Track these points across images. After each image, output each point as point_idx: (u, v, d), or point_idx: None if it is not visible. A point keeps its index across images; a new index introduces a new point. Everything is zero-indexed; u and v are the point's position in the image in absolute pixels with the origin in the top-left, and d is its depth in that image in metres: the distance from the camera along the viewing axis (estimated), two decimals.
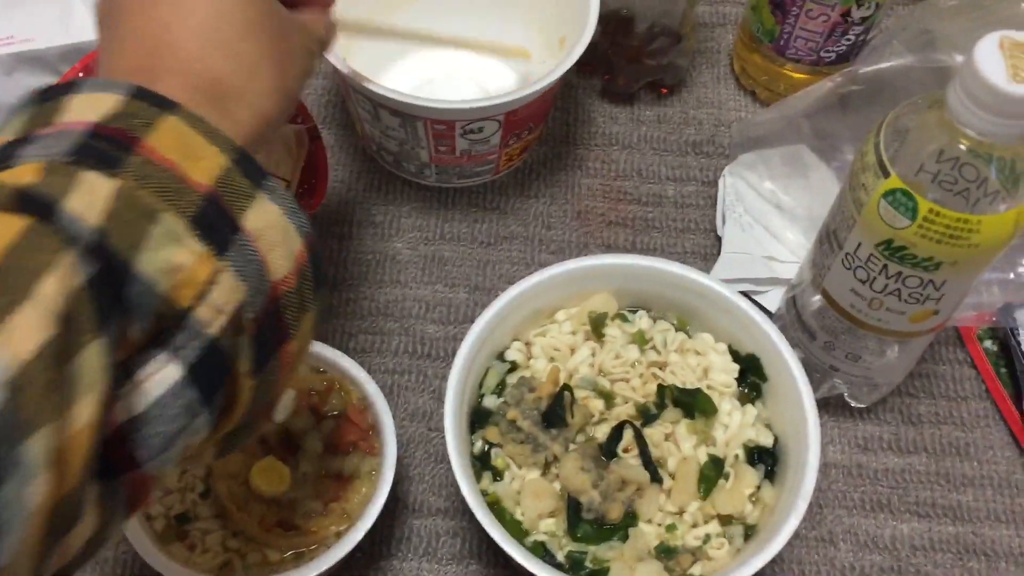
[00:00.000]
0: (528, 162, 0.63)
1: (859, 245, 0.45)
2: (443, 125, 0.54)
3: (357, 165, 0.63)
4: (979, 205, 0.41)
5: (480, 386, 0.47)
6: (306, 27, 0.40)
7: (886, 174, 0.42)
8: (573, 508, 0.43)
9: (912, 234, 0.42)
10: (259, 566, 0.44)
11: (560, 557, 0.43)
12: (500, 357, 0.48)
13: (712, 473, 0.44)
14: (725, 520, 0.44)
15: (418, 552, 0.50)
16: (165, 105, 0.30)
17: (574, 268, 0.48)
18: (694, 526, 0.43)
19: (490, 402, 0.47)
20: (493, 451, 0.45)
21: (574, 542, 0.43)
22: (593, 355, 0.47)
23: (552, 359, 0.47)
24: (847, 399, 0.54)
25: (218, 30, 0.34)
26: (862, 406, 0.54)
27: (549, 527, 0.43)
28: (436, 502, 0.51)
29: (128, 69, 0.33)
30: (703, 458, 0.44)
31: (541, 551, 0.42)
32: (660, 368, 0.47)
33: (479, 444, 0.46)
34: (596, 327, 0.48)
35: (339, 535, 0.44)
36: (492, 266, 0.59)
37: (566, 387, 0.46)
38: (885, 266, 0.44)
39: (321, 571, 0.42)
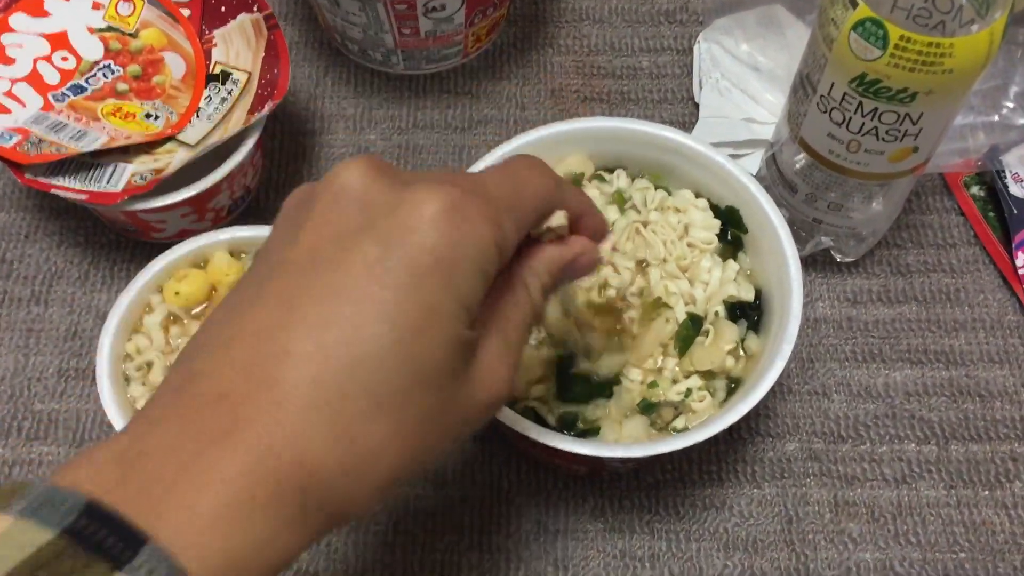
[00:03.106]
0: (497, 43, 0.62)
1: (832, 85, 0.43)
2: (404, 4, 0.52)
3: (323, 60, 0.61)
4: (950, 29, 0.39)
5: None
6: (485, 389, 0.29)
7: (854, 4, 0.40)
8: (562, 371, 0.43)
9: (884, 65, 0.40)
10: None
11: (552, 420, 0.43)
12: None
13: (690, 332, 0.44)
14: (706, 375, 0.44)
15: None
16: (122, 558, 0.22)
17: (545, 134, 0.47)
18: (674, 382, 0.43)
19: None
20: None
21: (564, 404, 0.43)
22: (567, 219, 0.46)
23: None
24: (834, 254, 0.53)
25: (351, 390, 0.25)
26: (849, 260, 0.54)
27: (539, 393, 0.43)
28: None
29: (221, 384, 0.26)
30: (681, 315, 0.44)
31: (532, 416, 0.42)
32: (642, 226, 0.46)
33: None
34: None
35: None
36: (468, 151, 0.58)
37: None
38: (860, 104, 0.43)
39: None
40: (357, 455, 0.26)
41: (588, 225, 0.34)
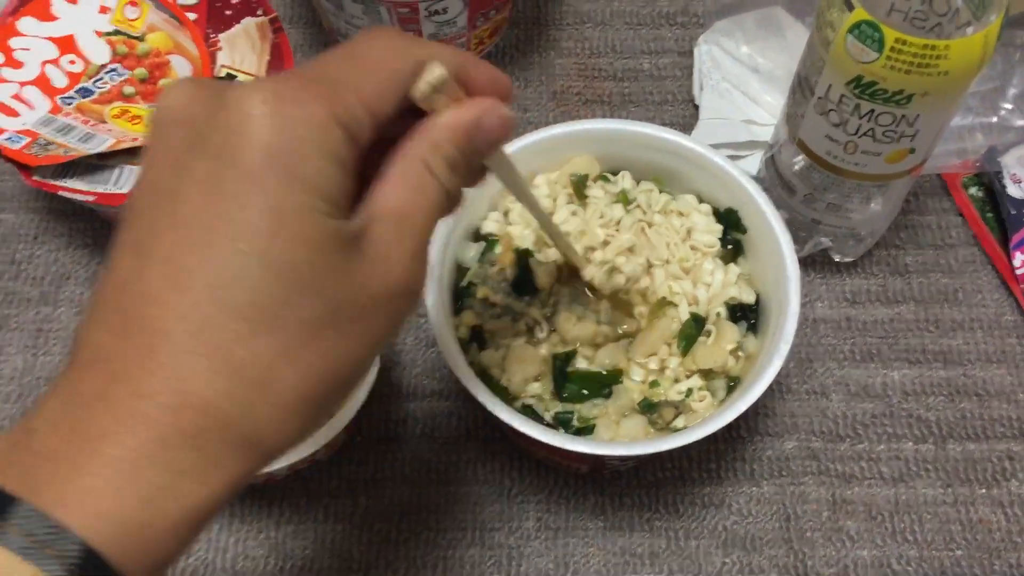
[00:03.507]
0: (500, 46, 0.62)
1: (830, 87, 0.44)
2: (406, 8, 0.53)
3: None
4: (946, 32, 0.40)
5: (460, 266, 0.47)
6: (379, 279, 0.27)
7: (850, 7, 0.41)
8: (559, 369, 0.44)
9: (881, 67, 0.41)
10: None
11: (548, 418, 0.43)
12: (478, 233, 0.48)
13: (693, 331, 0.44)
14: (707, 374, 0.44)
15: (415, 433, 0.50)
16: None
17: (549, 135, 0.48)
18: (676, 381, 0.44)
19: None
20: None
21: (561, 403, 0.43)
22: (574, 215, 0.47)
23: (528, 225, 0.47)
24: (832, 255, 0.54)
25: (217, 316, 0.24)
26: (848, 260, 0.54)
27: (536, 390, 0.44)
28: (430, 385, 0.52)
29: (94, 347, 0.25)
30: (685, 315, 0.45)
31: (529, 414, 0.43)
32: (647, 226, 0.47)
33: (463, 331, 0.46)
34: (578, 189, 0.48)
35: (332, 415, 0.45)
36: None
37: (525, 252, 0.46)
38: (857, 105, 0.43)
39: (318, 448, 0.43)
40: (245, 381, 0.24)
41: (482, 81, 0.30)
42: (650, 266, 0.46)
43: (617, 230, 0.46)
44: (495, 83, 0.30)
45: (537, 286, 0.45)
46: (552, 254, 0.46)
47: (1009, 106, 0.57)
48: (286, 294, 0.25)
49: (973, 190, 0.57)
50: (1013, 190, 0.55)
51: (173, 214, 0.25)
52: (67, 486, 0.23)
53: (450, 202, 0.29)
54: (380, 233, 0.27)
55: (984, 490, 0.49)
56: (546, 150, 0.48)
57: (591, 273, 0.44)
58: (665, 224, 0.47)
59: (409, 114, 0.29)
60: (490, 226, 0.48)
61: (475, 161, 0.30)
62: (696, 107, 0.60)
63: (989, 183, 0.56)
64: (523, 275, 0.46)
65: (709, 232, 0.47)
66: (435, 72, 0.28)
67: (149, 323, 0.24)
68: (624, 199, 0.48)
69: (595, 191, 0.48)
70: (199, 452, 0.24)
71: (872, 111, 0.43)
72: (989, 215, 0.56)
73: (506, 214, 0.48)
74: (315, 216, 0.25)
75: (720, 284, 0.46)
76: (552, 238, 0.43)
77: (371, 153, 0.28)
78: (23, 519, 0.22)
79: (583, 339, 0.44)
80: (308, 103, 0.26)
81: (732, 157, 0.56)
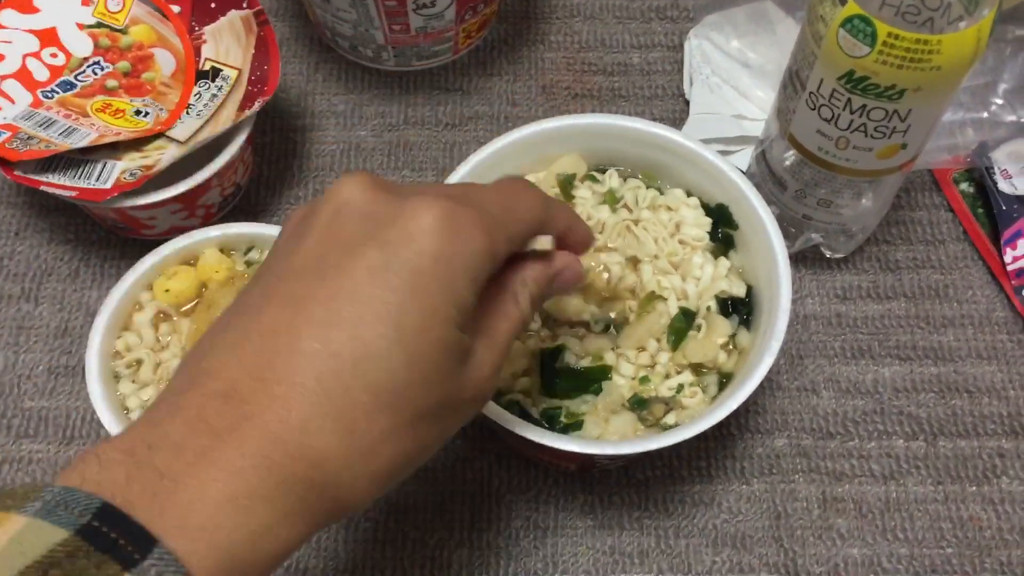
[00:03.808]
0: (488, 40, 0.62)
1: (821, 82, 0.44)
2: (394, 1, 0.52)
3: (314, 56, 0.61)
4: (938, 26, 0.40)
5: None
6: (472, 388, 0.31)
7: (843, 1, 0.40)
8: (547, 365, 0.43)
9: (873, 62, 0.40)
10: None
11: (535, 414, 0.43)
12: None
13: (682, 325, 0.44)
14: (698, 370, 0.44)
15: None
16: (132, 558, 0.23)
17: (535, 131, 0.47)
18: (666, 377, 0.43)
19: None
20: None
21: (548, 399, 0.43)
22: None
23: None
24: (823, 250, 0.53)
25: (354, 386, 0.27)
26: (839, 256, 0.54)
27: (523, 386, 0.43)
28: None
29: (228, 382, 0.27)
30: (674, 310, 0.44)
31: (516, 409, 0.42)
32: (633, 224, 0.46)
33: None
34: (565, 189, 0.47)
35: None
36: (459, 147, 0.58)
37: None
38: (849, 100, 0.43)
39: None
40: (359, 447, 0.27)
41: (574, 237, 0.36)
42: (638, 262, 0.45)
43: (602, 231, 0.46)
44: (583, 239, 0.37)
45: None
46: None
47: (1000, 101, 0.57)
48: (414, 384, 0.28)
49: (964, 185, 0.57)
50: (1004, 186, 0.55)
51: (336, 285, 0.28)
52: (190, 515, 0.24)
53: (525, 328, 0.35)
54: (479, 349, 0.31)
55: (975, 488, 0.49)
56: (534, 145, 0.47)
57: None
58: (653, 219, 0.47)
59: None
60: None
61: (547, 299, 0.37)
62: (686, 102, 0.59)
63: (980, 179, 0.56)
64: None
65: (698, 226, 0.47)
66: (543, 244, 0.34)
67: (291, 375, 0.26)
68: (611, 199, 0.47)
69: (582, 191, 0.47)
70: (302, 501, 0.26)
71: (864, 106, 0.43)
72: (980, 211, 0.56)
73: None
74: (452, 326, 0.29)
75: (710, 278, 0.46)
76: None
77: None
78: (158, 561, 0.23)
79: (568, 314, 0.44)
80: (473, 233, 0.29)
81: (723, 152, 0.56)
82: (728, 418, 0.40)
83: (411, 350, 0.28)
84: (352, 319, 0.27)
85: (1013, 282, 0.53)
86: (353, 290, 0.28)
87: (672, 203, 0.47)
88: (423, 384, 0.28)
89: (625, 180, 0.48)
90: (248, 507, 0.25)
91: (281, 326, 0.27)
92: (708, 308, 0.45)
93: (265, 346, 0.27)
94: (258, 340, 0.27)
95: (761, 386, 0.41)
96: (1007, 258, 0.53)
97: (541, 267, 0.34)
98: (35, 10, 0.52)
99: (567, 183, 0.47)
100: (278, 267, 0.29)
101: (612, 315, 0.44)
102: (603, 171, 0.49)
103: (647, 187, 0.48)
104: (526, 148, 0.47)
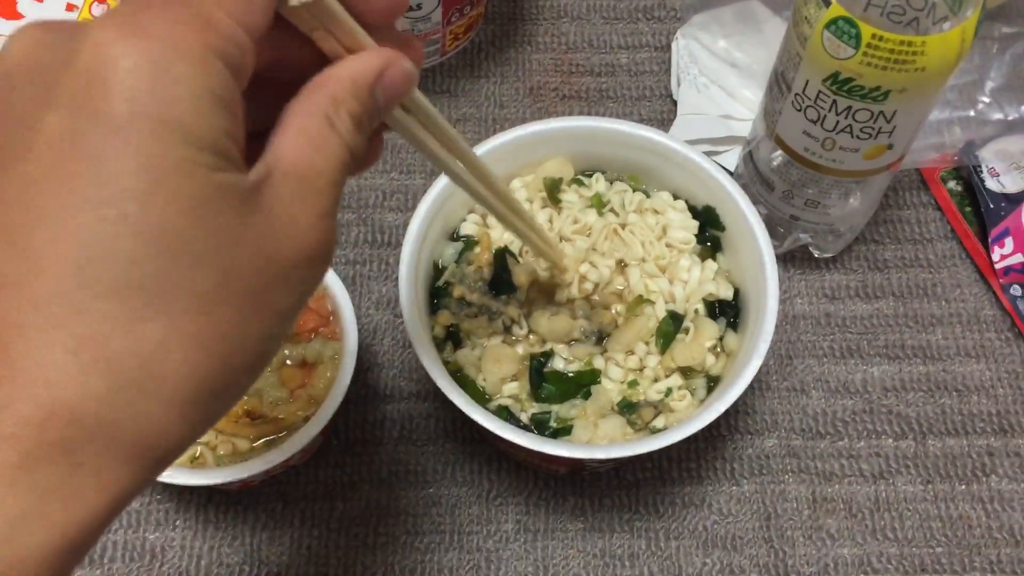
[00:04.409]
0: (475, 41, 0.61)
1: (807, 83, 0.44)
2: None
3: None
4: (923, 27, 0.40)
5: (438, 265, 0.47)
6: (288, 244, 0.23)
7: (827, 3, 0.40)
8: (536, 369, 0.43)
9: (857, 63, 0.40)
10: (230, 456, 0.44)
11: (524, 419, 0.43)
12: (456, 234, 0.48)
13: (670, 328, 0.44)
14: (687, 373, 0.44)
15: (393, 436, 0.50)
16: None
17: (522, 134, 0.47)
18: (655, 381, 0.43)
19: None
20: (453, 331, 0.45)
21: (537, 403, 0.43)
22: (551, 221, 0.47)
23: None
24: (811, 250, 0.53)
25: (84, 300, 0.20)
26: (827, 256, 0.54)
27: (512, 391, 0.43)
28: (407, 386, 0.51)
29: None
30: (661, 313, 0.44)
31: (505, 415, 0.42)
32: (620, 227, 0.46)
33: (439, 330, 0.45)
34: (551, 192, 0.47)
35: (307, 419, 0.44)
36: None
37: (504, 250, 0.45)
38: (834, 102, 0.43)
39: (293, 452, 0.43)
40: (127, 377, 0.20)
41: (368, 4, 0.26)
42: (625, 266, 0.45)
43: (589, 235, 0.46)
44: (384, 3, 0.26)
45: (515, 284, 0.45)
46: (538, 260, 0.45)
47: (987, 99, 0.57)
48: (169, 266, 0.21)
49: (951, 184, 0.57)
50: (991, 184, 0.55)
51: (19, 180, 0.21)
52: None
53: (355, 162, 0.26)
54: (281, 191, 0.23)
55: (964, 486, 0.49)
56: (521, 149, 0.47)
57: (569, 277, 0.44)
58: (640, 223, 0.47)
59: (290, 39, 0.25)
60: (468, 228, 0.47)
61: (376, 119, 0.26)
62: (674, 102, 0.59)
63: (967, 177, 0.56)
64: (500, 274, 0.45)
65: (684, 229, 0.47)
66: None
67: (2, 315, 0.20)
68: (598, 203, 0.47)
69: (569, 196, 0.47)
70: (72, 468, 0.20)
71: (849, 107, 0.43)
72: (967, 209, 0.56)
73: (485, 217, 0.47)
74: (198, 171, 0.21)
75: (697, 280, 0.46)
76: (518, 234, 0.41)
77: (255, 91, 0.24)
78: None
79: (559, 334, 0.44)
80: (176, 35, 0.21)
81: (710, 153, 0.56)
82: (718, 419, 0.40)
83: (146, 225, 0.20)
84: (53, 215, 0.20)
85: (1001, 280, 0.53)
86: (40, 176, 0.20)
87: (659, 206, 0.47)
88: (189, 261, 0.21)
89: (612, 184, 0.48)
90: None
91: None
92: (696, 311, 0.45)
93: None
94: None
95: (750, 387, 0.41)
96: (995, 256, 0.53)
97: (352, 74, 0.25)
98: (19, 16, 0.52)
99: (554, 187, 0.47)
100: None
101: (602, 325, 0.44)
102: (590, 175, 0.49)
103: (633, 190, 0.48)
104: (513, 151, 0.47)
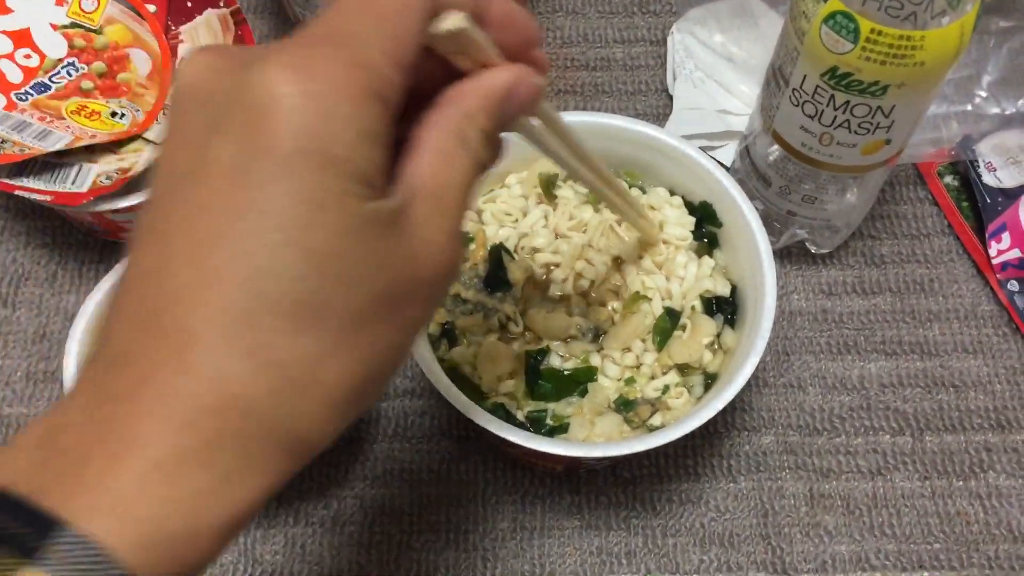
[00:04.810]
0: None
1: (804, 78, 0.43)
2: None
3: None
4: (921, 21, 0.39)
5: None
6: (423, 264, 0.25)
7: None
8: (532, 367, 0.43)
9: (856, 58, 0.40)
10: None
11: (520, 417, 0.42)
12: None
13: (667, 325, 0.43)
14: (684, 370, 0.44)
15: (388, 433, 0.49)
16: (33, 545, 0.20)
17: None
18: (652, 378, 0.43)
19: None
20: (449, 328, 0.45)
21: (533, 401, 0.43)
22: (546, 218, 0.46)
23: (503, 225, 0.46)
24: (808, 246, 0.53)
25: (255, 313, 0.22)
26: (824, 251, 0.54)
27: (508, 388, 0.43)
28: (402, 384, 0.51)
29: (119, 345, 0.23)
30: (658, 310, 0.44)
31: (501, 412, 0.42)
32: (616, 224, 0.46)
33: (434, 327, 0.45)
34: (547, 188, 0.47)
35: (369, 406, 0.43)
36: None
37: (500, 247, 0.45)
38: (832, 96, 0.43)
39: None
40: (290, 381, 0.23)
41: (501, 19, 0.27)
42: (621, 263, 0.45)
43: (585, 231, 0.45)
44: (519, 25, 0.27)
45: (510, 281, 0.44)
46: (543, 258, 0.45)
47: (984, 93, 0.57)
48: (329, 287, 0.23)
49: (948, 179, 0.56)
50: (988, 178, 0.55)
51: (195, 203, 0.23)
52: (103, 493, 0.21)
53: (482, 173, 0.27)
54: (419, 213, 0.25)
55: (962, 482, 0.48)
56: (516, 144, 0.46)
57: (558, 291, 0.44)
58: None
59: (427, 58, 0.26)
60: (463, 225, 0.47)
61: (503, 130, 0.28)
62: (670, 97, 0.59)
63: (964, 172, 0.56)
64: (496, 270, 0.45)
65: (681, 225, 0.46)
66: (454, 21, 0.25)
67: (177, 322, 0.22)
68: (593, 199, 0.47)
69: (564, 191, 0.47)
70: (243, 455, 0.23)
71: (847, 102, 0.42)
72: (964, 204, 0.56)
73: (479, 214, 0.47)
74: (353, 201, 0.23)
75: (694, 277, 0.45)
76: (610, 206, 0.41)
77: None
78: (66, 543, 0.21)
79: (555, 331, 0.43)
80: (338, 76, 0.23)
81: (706, 148, 0.55)
82: (715, 416, 0.40)
83: (307, 249, 0.22)
84: (223, 237, 0.22)
85: (998, 275, 0.53)
86: (213, 202, 0.23)
87: (655, 202, 0.47)
88: (344, 282, 0.23)
89: None
90: (176, 476, 0.22)
91: (151, 267, 0.23)
92: (693, 308, 0.45)
93: (142, 295, 0.23)
94: (134, 290, 0.23)
95: (747, 383, 0.41)
96: (992, 251, 0.53)
97: (483, 89, 0.26)
98: (7, 11, 0.51)
99: (550, 183, 0.47)
100: (148, 193, 0.25)
101: (599, 322, 0.44)
102: None
103: (629, 186, 0.48)
104: (508, 147, 0.46)
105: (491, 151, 0.27)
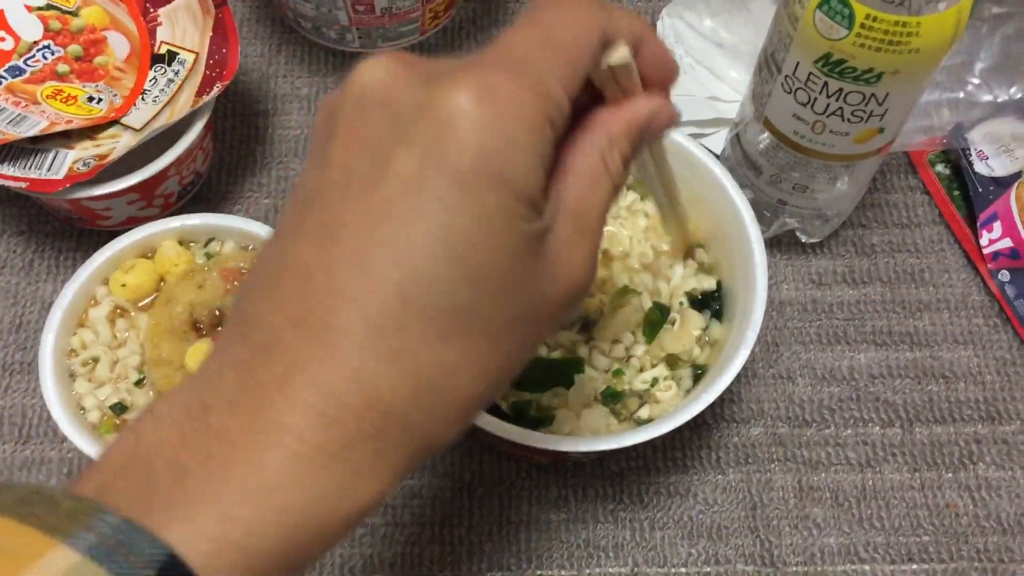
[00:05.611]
0: (456, 20, 0.60)
1: (797, 65, 0.42)
2: None
3: (276, 37, 0.59)
4: (916, 7, 0.38)
5: None
6: (560, 282, 0.26)
7: None
8: None
9: (850, 44, 0.39)
10: None
11: (505, 407, 0.42)
12: None
13: (658, 317, 0.43)
14: (673, 363, 0.43)
15: None
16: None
17: None
18: (641, 370, 0.42)
19: None
20: None
21: (517, 391, 0.42)
22: None
23: None
24: (798, 235, 0.53)
25: (408, 319, 0.23)
26: (814, 240, 0.53)
27: None
28: None
29: (269, 331, 0.24)
30: (647, 304, 0.43)
31: None
32: (612, 219, 0.45)
33: None
34: None
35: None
36: None
37: None
38: (825, 84, 0.42)
39: None
40: (429, 385, 0.24)
41: (650, 57, 0.28)
42: (611, 258, 0.44)
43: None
44: (664, 65, 0.29)
45: None
46: None
47: (976, 81, 0.56)
48: (479, 301, 0.24)
49: (940, 167, 0.56)
50: (980, 167, 0.54)
51: (368, 205, 0.24)
52: (249, 476, 0.22)
53: (617, 194, 0.28)
54: (562, 233, 0.26)
55: (951, 474, 0.48)
56: None
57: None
58: (630, 220, 0.46)
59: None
60: None
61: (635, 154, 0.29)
62: None
63: (956, 160, 0.55)
64: None
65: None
66: (620, 57, 0.26)
67: (332, 318, 0.23)
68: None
69: None
70: (377, 453, 0.24)
71: (841, 90, 0.42)
72: (956, 193, 0.55)
73: None
74: (518, 222, 0.24)
75: (680, 277, 0.45)
76: (662, 211, 0.40)
77: None
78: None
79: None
80: (521, 101, 0.24)
81: (696, 135, 0.55)
82: (704, 408, 0.40)
83: (469, 264, 0.23)
84: (391, 243, 0.23)
85: (989, 265, 0.52)
86: (387, 208, 0.23)
87: (651, 211, 0.46)
88: (491, 299, 0.24)
89: None
90: (316, 466, 0.23)
91: (313, 262, 0.24)
92: (681, 304, 0.44)
93: (300, 288, 0.24)
94: (292, 282, 0.24)
95: (737, 375, 0.40)
96: (983, 241, 0.53)
97: (629, 116, 0.28)
98: None
99: None
100: (308, 184, 0.25)
101: (588, 312, 0.43)
102: None
103: (627, 188, 0.47)
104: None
105: (626, 175, 0.28)
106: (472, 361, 0.24)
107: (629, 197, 0.46)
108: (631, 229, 0.45)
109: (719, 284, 0.45)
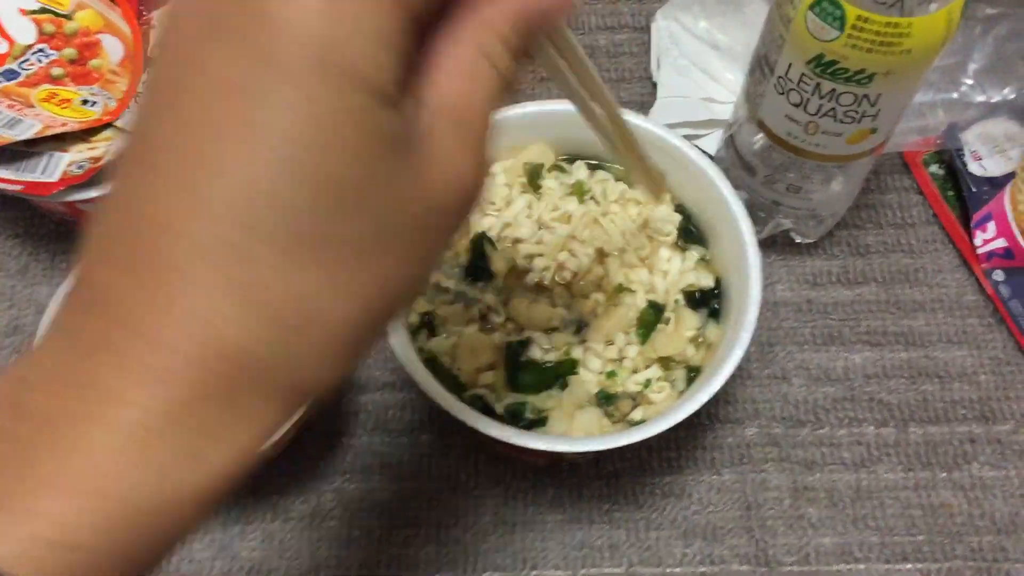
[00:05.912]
0: None
1: (790, 66, 0.43)
2: None
3: None
4: (908, 8, 0.39)
5: None
6: (442, 186, 0.22)
7: None
8: (512, 359, 0.42)
9: (842, 45, 0.40)
10: None
11: (499, 409, 0.42)
12: None
13: (652, 318, 0.43)
14: (666, 364, 0.43)
15: (367, 426, 0.49)
16: None
17: (501, 118, 0.46)
18: (634, 371, 0.43)
19: None
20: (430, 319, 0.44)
21: (513, 393, 0.42)
22: (530, 208, 0.46)
23: (486, 214, 0.46)
24: (793, 235, 0.53)
25: (249, 246, 0.20)
26: (809, 241, 0.53)
27: (488, 380, 0.42)
28: (382, 376, 0.50)
29: (95, 286, 0.21)
30: (642, 303, 0.43)
31: (479, 404, 0.41)
32: (600, 216, 0.45)
33: (414, 317, 0.44)
34: (532, 178, 0.46)
35: (377, 345, 0.42)
36: None
37: (482, 236, 0.44)
38: (818, 85, 0.42)
39: (266, 445, 0.41)
40: (285, 321, 0.20)
41: None
42: (605, 256, 0.44)
43: (569, 222, 0.45)
44: None
45: (492, 271, 0.44)
46: (526, 248, 0.44)
47: (970, 81, 0.56)
48: (330, 214, 0.20)
49: (934, 168, 0.56)
50: (974, 167, 0.54)
51: (186, 120, 0.20)
52: (67, 460, 0.19)
53: (508, 90, 0.24)
54: (437, 131, 0.22)
55: (945, 474, 0.48)
56: (500, 133, 0.46)
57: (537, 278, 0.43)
58: (621, 214, 0.46)
59: None
60: None
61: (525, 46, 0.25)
62: (654, 84, 0.58)
63: (950, 161, 0.56)
64: (477, 260, 0.44)
65: (666, 222, 0.46)
66: None
67: (161, 256, 0.20)
68: (579, 190, 0.46)
69: (549, 182, 0.46)
70: (231, 408, 0.21)
71: (833, 91, 0.42)
72: (950, 193, 0.55)
73: None
74: (365, 119, 0.20)
75: (678, 271, 0.45)
76: (616, 152, 0.37)
77: None
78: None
79: (538, 322, 0.43)
80: None
81: (690, 136, 0.55)
82: (698, 408, 0.40)
83: (314, 175, 0.20)
84: (219, 160, 0.20)
85: (983, 265, 0.53)
86: (207, 120, 0.20)
87: (642, 197, 0.46)
88: (347, 209, 0.20)
89: (593, 172, 0.47)
90: (152, 437, 0.20)
91: (134, 195, 0.20)
92: (676, 302, 0.44)
93: (124, 228, 0.20)
94: (116, 222, 0.21)
95: (731, 375, 0.40)
96: (977, 241, 0.53)
97: (506, 1, 0.24)
98: None
99: (535, 173, 0.46)
100: (136, 112, 0.22)
101: (582, 314, 0.43)
102: (572, 161, 0.48)
103: (616, 179, 0.47)
104: (495, 134, 0.46)
105: (515, 67, 0.24)
106: (337, 286, 0.21)
107: (617, 187, 0.46)
108: (623, 221, 0.45)
109: (718, 282, 0.45)
